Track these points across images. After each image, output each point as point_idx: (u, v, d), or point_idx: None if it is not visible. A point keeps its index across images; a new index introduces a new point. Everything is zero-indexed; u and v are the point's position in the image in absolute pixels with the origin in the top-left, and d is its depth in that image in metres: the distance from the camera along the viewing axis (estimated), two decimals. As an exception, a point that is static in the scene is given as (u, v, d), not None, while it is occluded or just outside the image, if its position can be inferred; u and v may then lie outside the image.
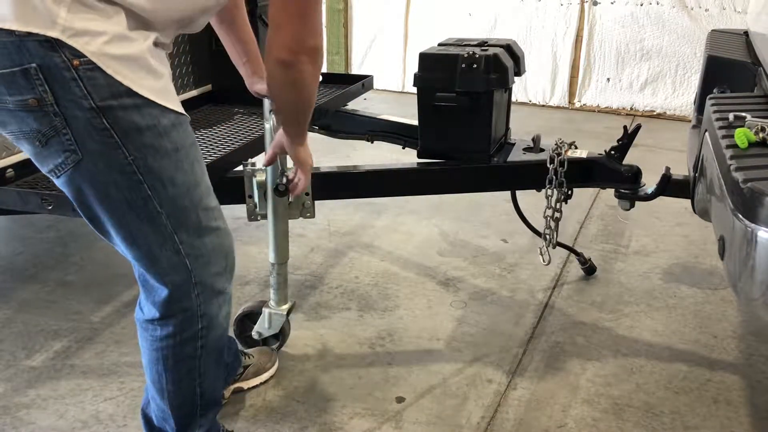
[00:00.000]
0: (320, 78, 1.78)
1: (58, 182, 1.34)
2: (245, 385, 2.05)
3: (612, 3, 5.13)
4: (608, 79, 5.29)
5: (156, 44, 1.35)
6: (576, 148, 2.26)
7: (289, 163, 2.02)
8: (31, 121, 1.26)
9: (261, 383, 2.08)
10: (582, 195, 3.39)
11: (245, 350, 2.11)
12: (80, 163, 1.29)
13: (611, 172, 2.21)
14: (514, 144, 2.39)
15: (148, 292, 1.49)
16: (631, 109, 5.26)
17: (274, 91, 1.49)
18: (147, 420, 1.68)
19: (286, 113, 1.58)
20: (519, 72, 2.32)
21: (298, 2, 1.35)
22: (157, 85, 1.32)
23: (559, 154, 2.17)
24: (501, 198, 3.42)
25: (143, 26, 1.30)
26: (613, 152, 2.21)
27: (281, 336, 2.21)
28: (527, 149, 2.33)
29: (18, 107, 1.24)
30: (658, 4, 5.01)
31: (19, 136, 1.29)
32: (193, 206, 1.41)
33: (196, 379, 1.58)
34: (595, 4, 5.18)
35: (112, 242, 1.44)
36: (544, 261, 2.25)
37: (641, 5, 5.06)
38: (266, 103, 1.87)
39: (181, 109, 1.39)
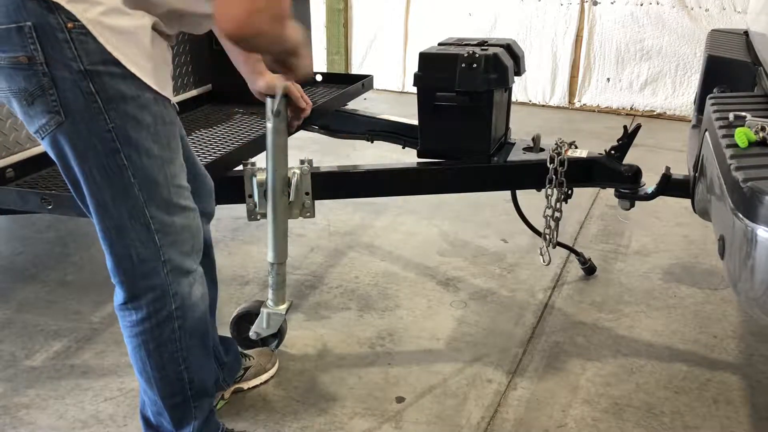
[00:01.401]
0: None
1: (44, 143, 1.38)
2: (245, 385, 2.05)
3: (612, 3, 5.13)
4: (608, 79, 5.29)
5: (157, 30, 1.37)
6: (576, 147, 2.26)
7: (291, 162, 2.03)
8: (20, 79, 1.29)
9: (261, 383, 2.08)
10: (582, 195, 3.39)
11: (245, 352, 2.10)
12: (63, 125, 1.32)
13: (611, 171, 2.21)
14: (514, 144, 2.39)
15: (116, 271, 1.49)
16: (631, 109, 5.26)
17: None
18: (145, 420, 1.68)
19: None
20: (519, 72, 2.32)
21: None
22: (147, 64, 1.35)
23: (559, 154, 2.17)
24: (501, 198, 3.42)
25: (141, 6, 1.34)
26: (613, 152, 2.21)
27: (279, 335, 2.20)
28: (527, 149, 2.33)
29: (9, 64, 1.29)
30: (658, 4, 5.01)
31: (8, 95, 1.33)
32: (165, 181, 1.43)
33: (181, 363, 1.58)
34: (595, 4, 5.18)
35: (89, 213, 1.45)
36: (544, 261, 2.25)
37: (641, 5, 5.06)
38: (268, 102, 1.87)
39: (167, 94, 1.41)
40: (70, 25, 1.25)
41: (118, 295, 1.52)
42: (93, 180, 1.38)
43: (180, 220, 1.48)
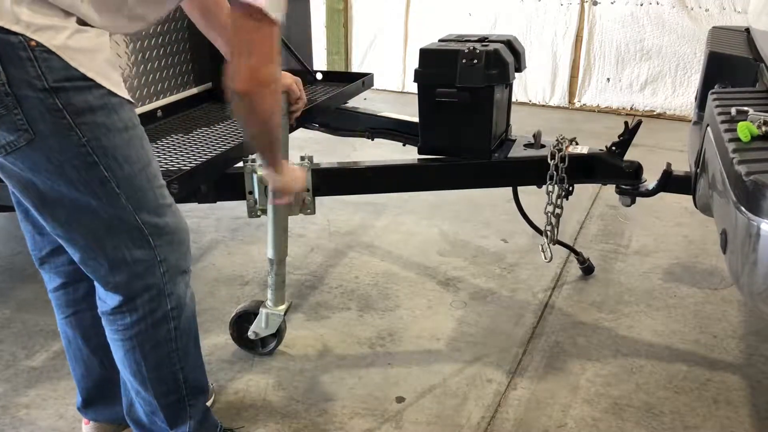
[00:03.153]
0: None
1: (8, 159, 1.32)
2: None
3: (612, 3, 5.13)
4: (608, 79, 5.29)
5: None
6: (577, 144, 2.25)
7: (291, 159, 2.02)
8: None
9: None
10: (582, 195, 3.39)
11: None
12: (33, 142, 1.28)
13: (612, 167, 2.20)
14: (514, 140, 2.39)
15: (106, 279, 1.46)
16: (631, 109, 5.26)
17: (239, 119, 1.54)
18: (136, 422, 1.67)
19: (255, 141, 1.61)
20: (519, 68, 2.31)
21: (248, 30, 1.36)
22: (112, 74, 1.35)
23: (560, 150, 2.16)
24: (501, 198, 3.42)
25: (97, 23, 1.34)
26: (614, 148, 2.21)
27: (278, 336, 2.20)
28: (528, 145, 2.33)
29: None
30: (658, 4, 5.01)
31: None
32: (149, 185, 1.43)
33: (177, 363, 1.57)
34: (595, 4, 5.18)
35: (55, 230, 1.41)
36: (545, 258, 2.25)
37: (641, 5, 5.06)
38: None
39: (130, 98, 1.41)
40: (32, 43, 1.22)
41: (111, 300, 1.49)
42: (75, 194, 1.35)
43: (170, 219, 1.48)
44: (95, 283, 1.50)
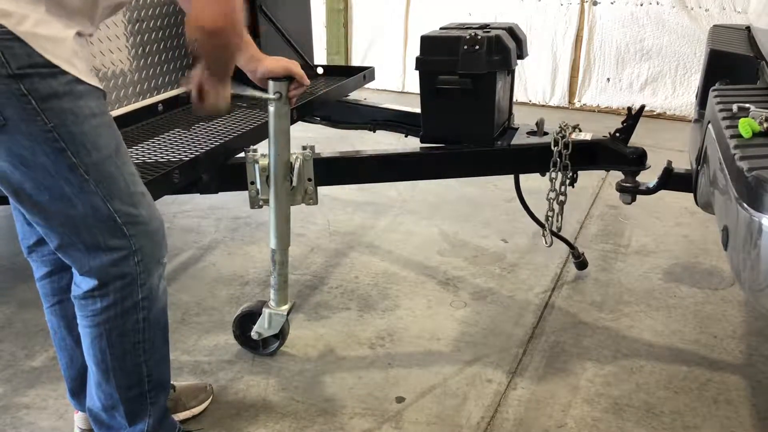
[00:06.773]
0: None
1: None
2: None
3: (612, 3, 5.13)
4: (608, 79, 5.29)
5: (79, 34, 1.39)
6: (580, 131, 2.25)
7: (294, 148, 2.02)
8: None
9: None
10: (582, 194, 3.40)
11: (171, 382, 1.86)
12: (5, 128, 1.31)
13: (616, 153, 2.19)
14: (517, 128, 2.38)
15: (82, 262, 1.47)
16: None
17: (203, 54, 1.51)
18: (96, 418, 1.66)
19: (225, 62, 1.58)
20: (521, 55, 2.30)
21: None
22: (78, 63, 1.36)
23: (563, 137, 2.16)
24: (501, 198, 3.43)
25: (65, 16, 1.35)
26: (618, 134, 2.20)
27: (281, 336, 2.20)
28: (531, 133, 2.32)
29: None
30: (658, 4, 5.01)
31: None
32: (119, 172, 1.44)
33: (142, 355, 1.57)
34: (595, 4, 5.18)
35: (33, 218, 1.43)
36: (546, 243, 2.25)
37: (641, 5, 5.06)
38: (271, 85, 1.86)
39: (99, 86, 1.42)
40: None
41: (85, 284, 1.50)
42: (47, 181, 1.36)
43: (145, 209, 1.49)
44: (72, 268, 1.51)
